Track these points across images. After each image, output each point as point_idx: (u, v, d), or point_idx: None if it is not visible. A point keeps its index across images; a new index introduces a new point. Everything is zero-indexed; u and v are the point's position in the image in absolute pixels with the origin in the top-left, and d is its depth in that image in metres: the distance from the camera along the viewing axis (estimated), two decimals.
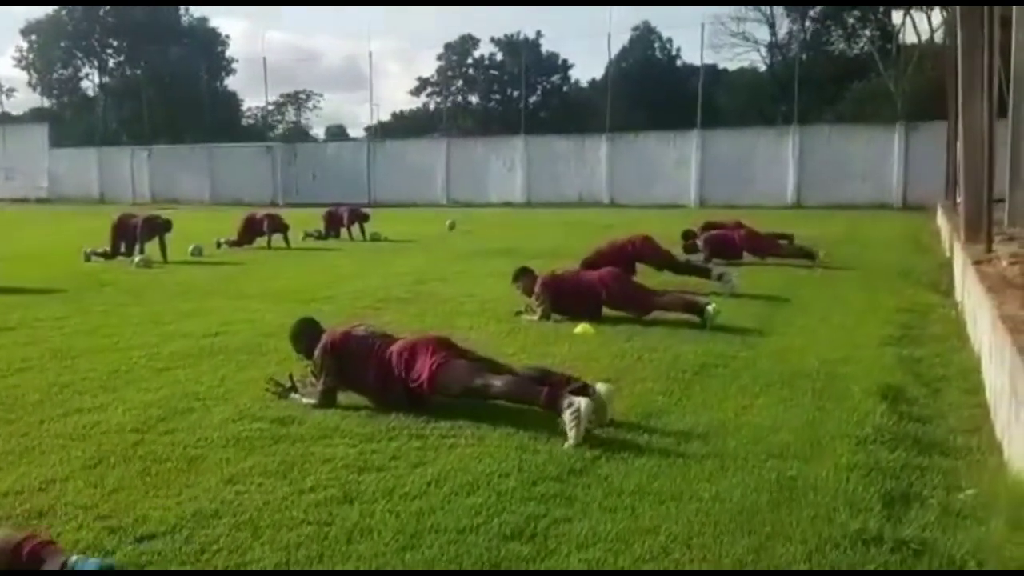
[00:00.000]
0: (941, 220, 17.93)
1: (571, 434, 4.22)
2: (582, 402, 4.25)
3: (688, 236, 13.29)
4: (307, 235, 17.94)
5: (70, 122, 52.80)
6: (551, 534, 3.26)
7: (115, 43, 53.98)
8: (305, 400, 5.03)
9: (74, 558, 2.69)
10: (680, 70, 49.99)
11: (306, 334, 5.25)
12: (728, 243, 12.72)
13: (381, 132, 46.72)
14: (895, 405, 4.98)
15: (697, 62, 42.50)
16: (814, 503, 3.54)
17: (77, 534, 3.23)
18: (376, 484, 3.75)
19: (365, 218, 18.36)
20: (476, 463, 4.01)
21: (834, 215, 24.84)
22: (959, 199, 12.73)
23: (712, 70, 46.50)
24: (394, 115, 58.64)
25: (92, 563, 2.69)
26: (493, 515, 3.42)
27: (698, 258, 12.08)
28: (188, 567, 2.96)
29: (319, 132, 62.20)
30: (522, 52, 45.90)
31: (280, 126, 61.58)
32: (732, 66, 52.22)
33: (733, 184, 31.88)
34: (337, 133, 59.41)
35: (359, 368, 4.94)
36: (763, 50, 50.84)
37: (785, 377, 5.65)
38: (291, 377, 5.22)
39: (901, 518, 3.41)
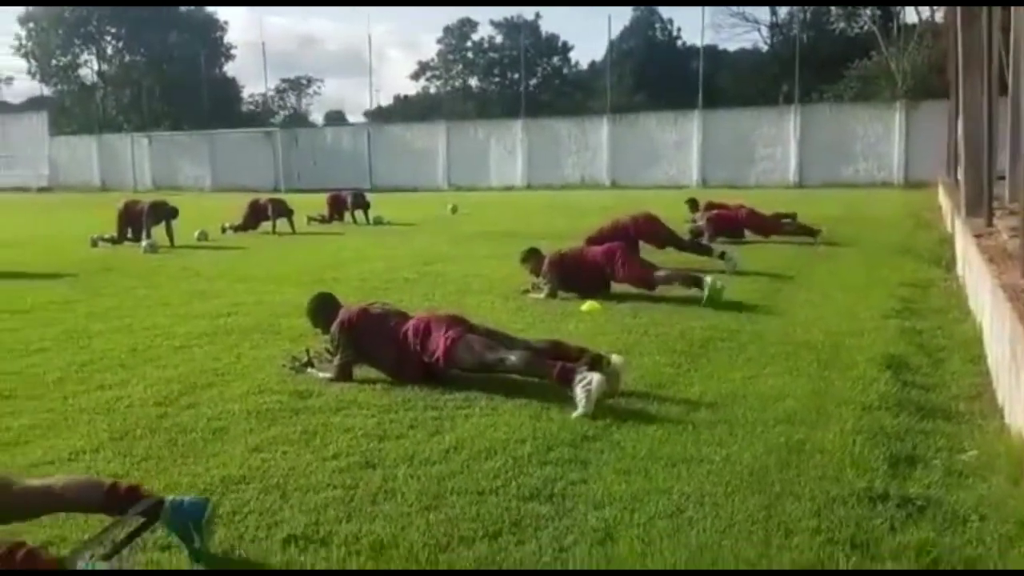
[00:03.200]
0: (943, 197, 18.00)
1: (580, 406, 4.31)
2: (595, 377, 4.35)
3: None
4: (311, 219, 18.03)
5: (70, 110, 52.70)
6: (568, 494, 3.38)
7: (113, 30, 53.77)
8: (322, 374, 5.14)
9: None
10: (681, 51, 49.88)
11: (323, 309, 5.36)
12: (731, 222, 12.85)
13: (382, 117, 46.62)
14: (898, 374, 5.09)
15: (699, 43, 42.44)
16: (821, 464, 3.65)
17: None
18: (396, 451, 3.87)
19: (367, 204, 18.44)
20: (492, 431, 4.12)
21: (836, 194, 24.92)
22: (960, 175, 12.82)
23: (712, 51, 46.44)
24: (396, 99, 58.57)
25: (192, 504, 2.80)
26: (511, 478, 3.53)
27: (701, 237, 12.21)
28: (222, 528, 3.07)
29: (318, 118, 62.10)
30: (521, 34, 45.73)
31: (281, 112, 61.41)
32: (732, 47, 52.20)
33: (735, 164, 32.07)
34: (336, 118, 59.23)
35: (375, 344, 5.05)
36: (764, 30, 50.80)
37: (790, 349, 5.76)
38: (308, 352, 5.34)
39: (906, 477, 3.52)
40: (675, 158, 33.85)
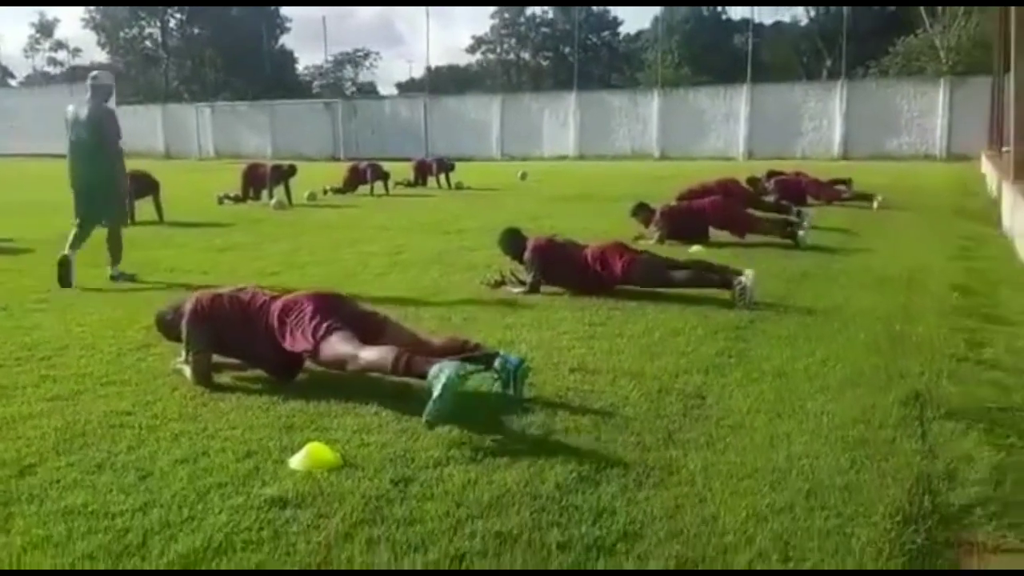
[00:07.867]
0: (986, 167, 19.21)
1: (739, 303, 5.87)
2: (745, 278, 5.91)
3: (753, 182, 14.90)
4: (397, 183, 19.58)
5: (134, 80, 54.73)
6: (743, 354, 4.90)
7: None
8: (515, 290, 6.69)
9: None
10: (726, 24, 50.80)
11: (514, 240, 6.89)
12: (795, 187, 14.22)
13: (417, 88, 47.81)
14: (965, 296, 6.55)
15: (737, 16, 43.48)
16: (918, 343, 5.14)
17: None
18: (606, 330, 5.42)
19: (451, 168, 20.00)
20: (669, 322, 5.66)
21: (881, 166, 26.09)
22: (1005, 147, 14.13)
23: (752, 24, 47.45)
24: (428, 70, 59.91)
25: (514, 359, 4.09)
26: (698, 346, 5.07)
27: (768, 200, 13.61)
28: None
29: (353, 89, 63.11)
30: (573, 9, 47.01)
31: (320, 84, 62.71)
32: (769, 20, 52.99)
33: (781, 137, 33.26)
34: (369, 91, 60.53)
35: (561, 266, 6.60)
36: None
37: (874, 279, 7.24)
38: (500, 273, 6.89)
39: (982, 348, 5.01)
40: (723, 130, 35.10)
